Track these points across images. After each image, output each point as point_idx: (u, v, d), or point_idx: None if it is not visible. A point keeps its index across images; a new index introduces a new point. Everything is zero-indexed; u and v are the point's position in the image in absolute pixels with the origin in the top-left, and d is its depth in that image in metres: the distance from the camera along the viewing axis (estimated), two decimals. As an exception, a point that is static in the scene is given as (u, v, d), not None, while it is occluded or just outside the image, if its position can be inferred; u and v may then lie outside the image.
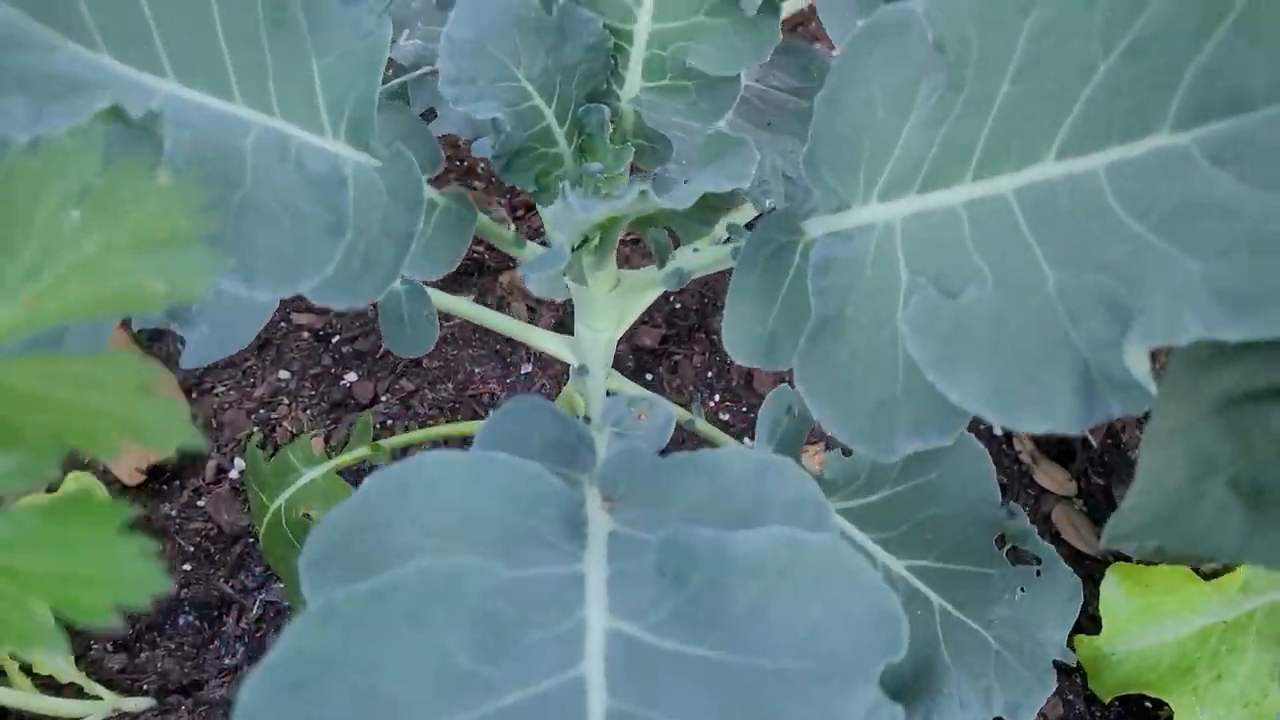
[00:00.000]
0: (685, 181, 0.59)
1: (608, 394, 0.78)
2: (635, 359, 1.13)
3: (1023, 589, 0.72)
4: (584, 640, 0.50)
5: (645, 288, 0.79)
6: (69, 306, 0.36)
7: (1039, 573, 0.72)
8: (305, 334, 1.15)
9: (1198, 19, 0.47)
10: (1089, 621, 0.99)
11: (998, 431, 1.16)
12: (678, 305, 1.19)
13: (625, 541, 0.56)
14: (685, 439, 1.01)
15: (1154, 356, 0.47)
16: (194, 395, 1.11)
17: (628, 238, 1.17)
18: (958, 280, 0.53)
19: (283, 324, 1.16)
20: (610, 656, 0.49)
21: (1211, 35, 0.46)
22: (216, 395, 1.10)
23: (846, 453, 0.78)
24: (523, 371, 1.10)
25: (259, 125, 0.56)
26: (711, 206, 0.66)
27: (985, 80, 0.55)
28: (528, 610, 0.50)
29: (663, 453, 0.91)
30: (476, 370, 1.10)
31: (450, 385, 1.09)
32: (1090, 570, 1.04)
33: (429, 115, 0.92)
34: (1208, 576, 0.96)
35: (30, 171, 0.37)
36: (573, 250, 0.69)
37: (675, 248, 0.74)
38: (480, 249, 1.24)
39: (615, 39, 0.71)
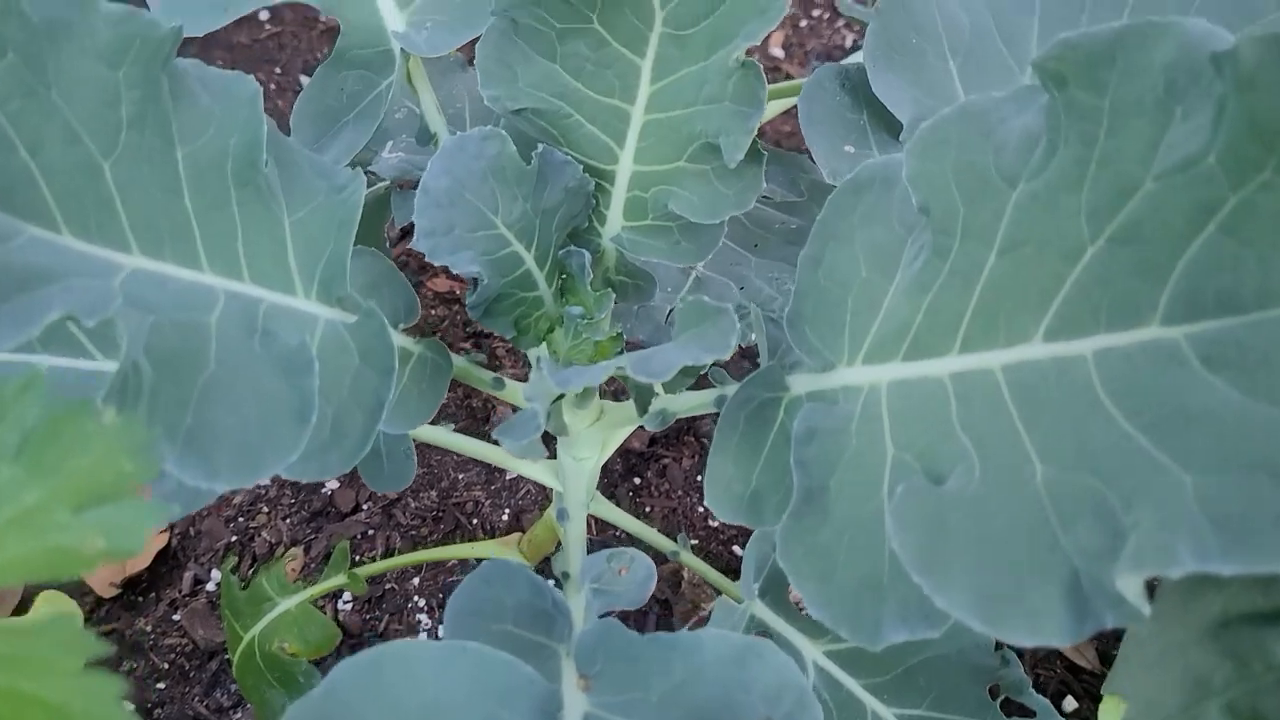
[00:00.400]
0: (666, 326, 0.58)
1: (589, 539, 0.76)
2: (623, 462, 1.11)
3: (1016, 742, 0.70)
4: None
5: (626, 423, 0.77)
6: (4, 566, 0.35)
7: (1033, 726, 0.70)
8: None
9: (1187, 214, 0.45)
10: (1086, 741, 0.97)
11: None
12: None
13: (600, 726, 0.54)
14: (672, 577, 1.00)
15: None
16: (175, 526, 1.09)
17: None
18: (944, 461, 0.52)
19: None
20: None
21: (1200, 232, 0.45)
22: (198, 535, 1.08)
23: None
24: (507, 479, 1.08)
25: (226, 293, 0.55)
26: (693, 368, 0.64)
27: (972, 249, 0.54)
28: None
29: (644, 611, 0.90)
30: (460, 476, 1.08)
31: (434, 493, 1.06)
32: (1086, 684, 1.01)
33: (410, 229, 0.91)
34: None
35: (-37, 420, 0.36)
36: (553, 402, 0.68)
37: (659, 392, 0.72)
38: (465, 344, 1.22)
39: (597, 179, 0.69)
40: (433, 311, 1.25)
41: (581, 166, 0.68)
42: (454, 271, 0.62)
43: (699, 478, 1.12)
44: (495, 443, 0.64)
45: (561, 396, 0.66)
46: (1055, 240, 0.51)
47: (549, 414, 0.67)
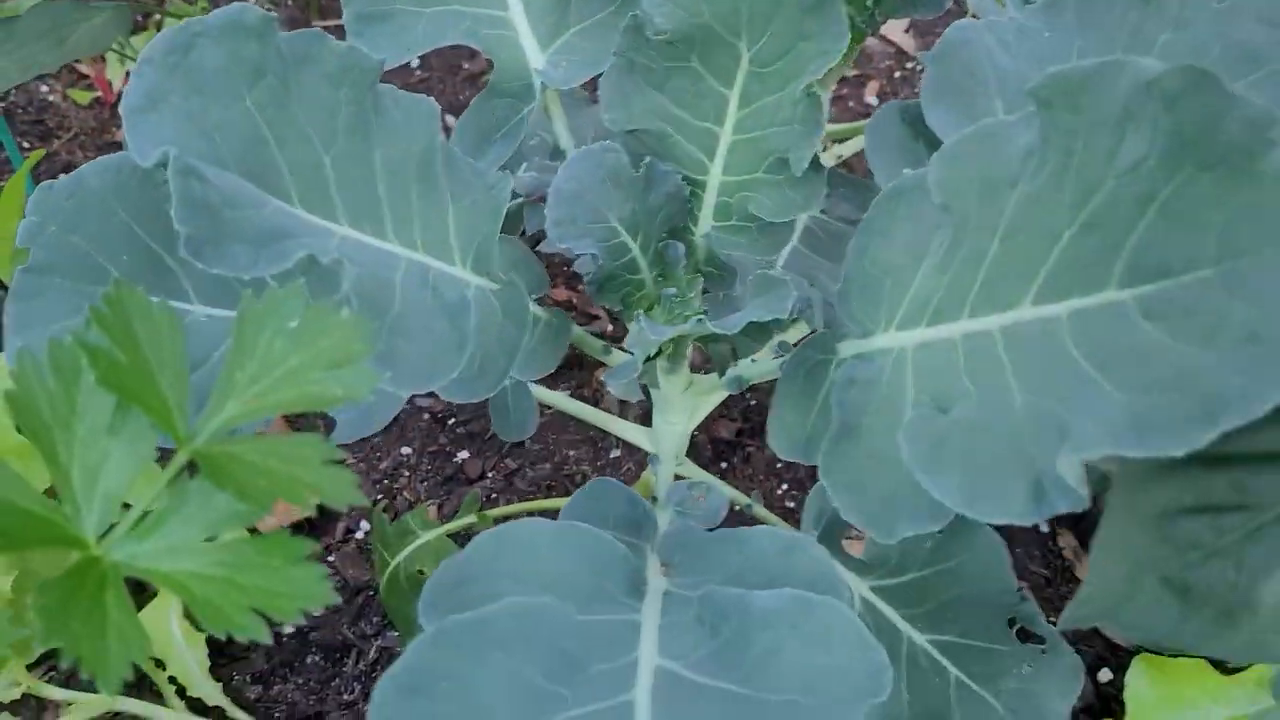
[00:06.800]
0: (737, 310, 0.74)
1: (676, 479, 0.92)
2: (712, 449, 1.27)
3: (1029, 665, 0.83)
4: (636, 673, 0.63)
5: (711, 390, 0.93)
6: (277, 405, 0.52)
7: (1044, 651, 0.83)
8: (426, 416, 1.32)
9: (1134, 204, 0.59)
10: (1118, 706, 1.08)
11: (1044, 529, 1.25)
12: (753, 402, 1.33)
13: (676, 599, 0.69)
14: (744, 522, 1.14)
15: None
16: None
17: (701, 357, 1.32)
18: (950, 399, 0.66)
19: (407, 406, 1.33)
20: (656, 687, 0.62)
21: (1143, 218, 0.59)
22: (348, 467, 1.27)
23: (881, 539, 0.90)
24: (611, 456, 1.24)
25: (406, 259, 0.73)
26: (760, 329, 0.79)
27: (980, 239, 0.68)
28: (593, 648, 0.63)
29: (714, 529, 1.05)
30: (571, 453, 1.25)
31: (548, 465, 1.24)
32: (1122, 660, 1.12)
33: (540, 235, 1.08)
34: (1228, 671, 1.04)
35: (255, 312, 0.54)
36: (649, 359, 0.84)
37: (736, 358, 0.88)
38: (580, 349, 1.40)
39: (691, 187, 0.86)
40: (552, 316, 1.44)
41: (680, 176, 0.84)
42: (575, 253, 0.79)
43: (779, 465, 1.26)
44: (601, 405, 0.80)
45: (657, 355, 0.83)
46: (1042, 228, 0.65)
47: (645, 370, 0.83)
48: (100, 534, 0.49)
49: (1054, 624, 0.86)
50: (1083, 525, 1.26)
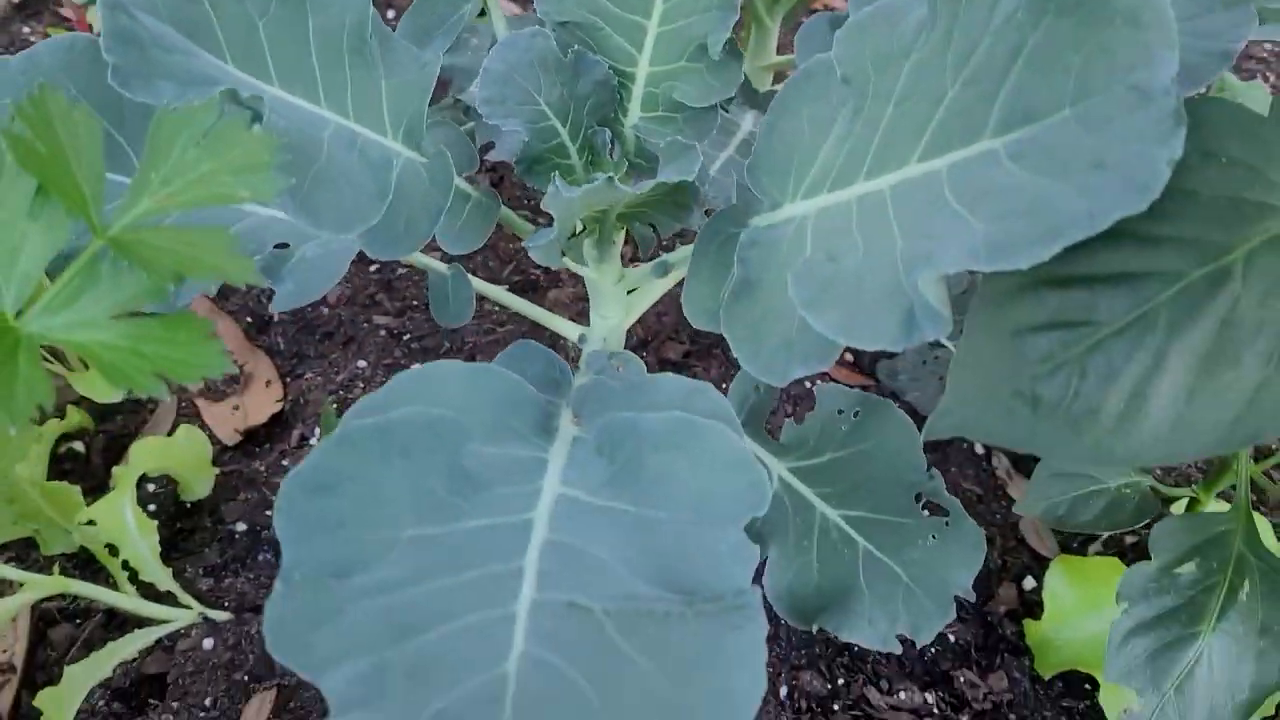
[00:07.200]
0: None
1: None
2: (660, 370, 1.31)
3: (934, 536, 0.87)
4: (539, 498, 0.67)
5: (643, 281, 0.97)
6: (187, 202, 0.56)
7: (947, 523, 0.87)
8: (382, 332, 1.36)
9: (1007, 56, 0.63)
10: (1039, 608, 1.12)
11: (979, 450, 1.29)
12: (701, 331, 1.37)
13: (583, 443, 0.73)
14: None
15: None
16: (288, 380, 1.32)
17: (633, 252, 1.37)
18: (842, 252, 0.70)
19: (365, 324, 1.37)
20: (556, 509, 0.66)
21: (1014, 68, 0.63)
22: (306, 380, 1.31)
23: (799, 422, 0.94)
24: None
25: (336, 122, 0.77)
26: (675, 199, 0.83)
27: (877, 106, 0.72)
28: (498, 474, 0.67)
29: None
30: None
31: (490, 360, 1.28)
32: (1046, 567, 1.16)
33: (488, 148, 1.13)
34: (1143, 573, 1.08)
35: (170, 119, 0.58)
36: (572, 236, 0.88)
37: (660, 241, 0.92)
38: (536, 272, 1.44)
39: (620, 79, 0.90)
40: (512, 246, 1.48)
41: (609, 66, 0.88)
42: (503, 130, 0.83)
43: (723, 386, 1.30)
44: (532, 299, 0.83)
45: (583, 232, 0.87)
46: (930, 91, 0.69)
47: (570, 246, 0.87)
48: (18, 310, 0.53)
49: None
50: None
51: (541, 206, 0.75)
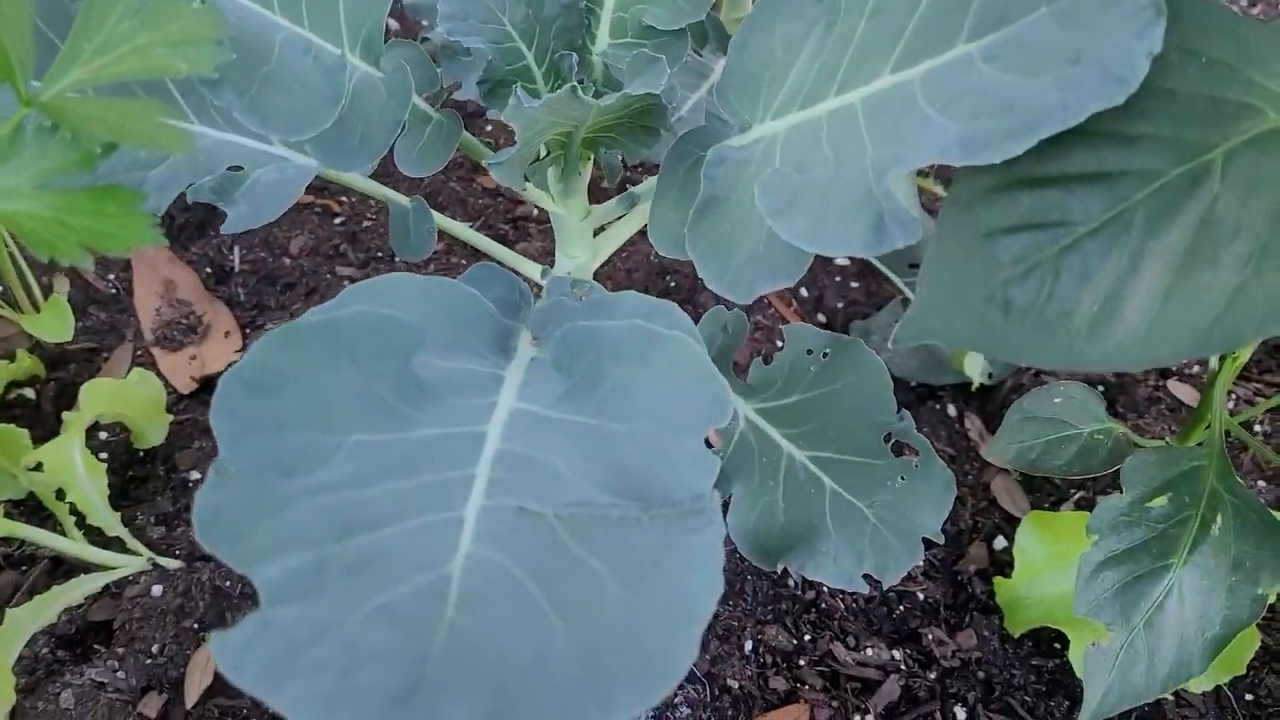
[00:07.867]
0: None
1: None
2: (629, 325, 1.29)
3: (903, 477, 0.85)
4: (493, 412, 0.64)
5: (609, 217, 0.94)
6: (121, 73, 0.54)
7: (916, 465, 0.85)
8: (345, 283, 1.32)
9: (983, -43, 0.61)
10: (1009, 567, 1.10)
11: (951, 412, 1.28)
12: (672, 284, 1.34)
13: (542, 362, 0.70)
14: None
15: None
16: (248, 331, 1.29)
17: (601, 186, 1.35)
18: (811, 163, 0.68)
19: (328, 275, 1.34)
20: (511, 421, 0.63)
21: (989, -31, 0.61)
22: (266, 331, 1.28)
23: (767, 363, 0.91)
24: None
25: (289, 29, 0.74)
26: (643, 122, 0.81)
27: (850, 20, 0.70)
28: (452, 387, 0.64)
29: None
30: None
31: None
32: (1017, 528, 1.14)
33: (454, 87, 1.10)
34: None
35: (108, -8, 0.55)
36: (536, 161, 0.85)
37: (626, 168, 0.89)
38: (505, 227, 1.41)
39: (588, 3, 0.88)
40: (480, 201, 1.45)
41: (577, -10, 0.86)
42: (465, 47, 0.80)
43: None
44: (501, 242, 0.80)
45: (547, 156, 0.84)
46: (903, 2, 0.67)
47: (534, 171, 0.85)
48: (-64, 180, 0.50)
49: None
50: (989, 409, 1.29)
51: (503, 118, 0.72)
